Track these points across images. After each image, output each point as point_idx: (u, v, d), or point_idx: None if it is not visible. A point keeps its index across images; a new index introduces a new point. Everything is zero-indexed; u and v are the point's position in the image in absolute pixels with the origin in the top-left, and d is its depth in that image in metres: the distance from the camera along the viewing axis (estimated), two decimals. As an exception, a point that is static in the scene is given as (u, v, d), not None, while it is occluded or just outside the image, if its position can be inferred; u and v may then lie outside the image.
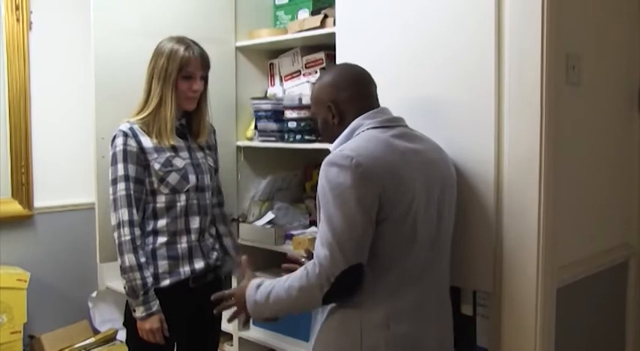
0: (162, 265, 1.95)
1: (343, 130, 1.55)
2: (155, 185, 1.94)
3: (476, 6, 1.65)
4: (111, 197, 1.91)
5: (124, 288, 1.91)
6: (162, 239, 1.96)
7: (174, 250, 1.97)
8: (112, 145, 1.94)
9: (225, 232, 2.22)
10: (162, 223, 1.96)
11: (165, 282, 1.95)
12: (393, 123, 1.55)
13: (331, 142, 1.61)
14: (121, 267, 1.89)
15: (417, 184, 1.46)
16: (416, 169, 1.48)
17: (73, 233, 3.17)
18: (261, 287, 1.55)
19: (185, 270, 1.98)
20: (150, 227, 1.96)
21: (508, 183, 1.63)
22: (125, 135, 1.92)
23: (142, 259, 1.89)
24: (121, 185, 1.89)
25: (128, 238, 1.88)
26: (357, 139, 1.49)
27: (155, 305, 1.90)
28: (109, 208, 1.93)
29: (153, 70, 1.97)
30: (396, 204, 1.42)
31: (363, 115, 1.54)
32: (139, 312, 1.88)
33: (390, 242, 1.44)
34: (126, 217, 1.89)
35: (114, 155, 1.92)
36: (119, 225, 1.89)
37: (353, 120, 1.54)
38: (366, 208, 1.39)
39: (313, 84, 1.66)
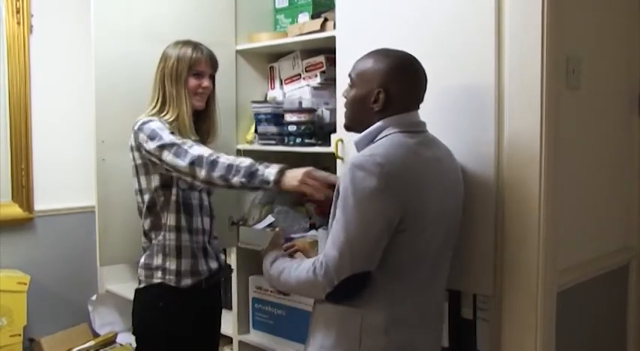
0: (186, 262, 1.96)
1: (375, 121, 1.50)
2: (174, 179, 1.93)
3: (476, 6, 1.65)
4: (157, 143, 1.83)
5: (237, 185, 1.73)
6: (185, 237, 1.97)
7: (193, 249, 1.99)
8: (144, 126, 1.89)
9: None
10: (182, 219, 1.96)
11: (187, 281, 1.96)
12: (418, 128, 1.53)
13: (349, 120, 1.58)
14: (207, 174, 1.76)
15: (436, 195, 1.46)
16: (436, 179, 1.47)
17: (73, 236, 3.17)
18: (276, 263, 1.60)
19: (203, 269, 2.01)
20: (173, 222, 1.94)
21: (508, 186, 1.62)
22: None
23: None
24: (166, 132, 1.85)
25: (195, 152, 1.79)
26: (385, 144, 1.45)
27: (269, 166, 1.73)
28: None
29: (163, 73, 1.97)
30: (417, 216, 1.41)
31: (393, 117, 1.49)
32: (274, 174, 1.70)
33: (405, 252, 1.44)
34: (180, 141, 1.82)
35: (152, 130, 1.86)
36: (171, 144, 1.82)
37: (391, 115, 1.49)
38: (386, 217, 1.38)
39: (369, 54, 1.55)
